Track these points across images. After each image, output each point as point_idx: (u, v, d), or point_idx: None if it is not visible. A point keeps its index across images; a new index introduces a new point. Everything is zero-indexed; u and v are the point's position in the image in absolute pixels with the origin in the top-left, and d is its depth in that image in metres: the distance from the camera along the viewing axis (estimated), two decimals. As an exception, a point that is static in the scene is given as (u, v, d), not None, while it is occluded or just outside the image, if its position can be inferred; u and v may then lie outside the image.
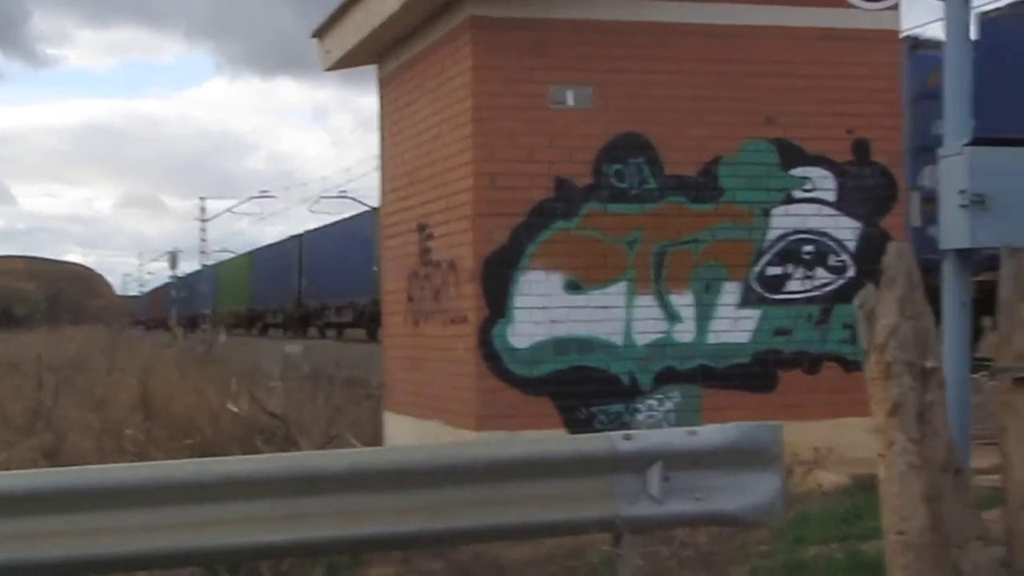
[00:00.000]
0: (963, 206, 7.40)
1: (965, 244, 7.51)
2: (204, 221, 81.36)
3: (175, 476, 6.91)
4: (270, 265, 56.97)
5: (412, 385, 13.73)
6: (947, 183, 7.57)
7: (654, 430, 9.18)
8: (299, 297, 50.56)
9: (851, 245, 12.36)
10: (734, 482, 7.04)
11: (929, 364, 6.87)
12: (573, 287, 11.85)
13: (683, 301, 12.08)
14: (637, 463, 6.99)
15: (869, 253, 11.84)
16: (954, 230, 7.54)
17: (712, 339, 12.11)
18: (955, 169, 7.50)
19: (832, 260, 12.37)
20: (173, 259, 78.60)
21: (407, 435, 13.47)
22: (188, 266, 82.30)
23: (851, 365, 11.69)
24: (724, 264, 12.14)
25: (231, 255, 73.87)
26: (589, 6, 11.89)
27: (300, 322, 50.78)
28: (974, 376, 7.96)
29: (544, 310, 11.78)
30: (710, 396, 12.01)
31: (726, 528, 7.98)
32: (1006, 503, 7.07)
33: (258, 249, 64.21)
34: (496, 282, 11.72)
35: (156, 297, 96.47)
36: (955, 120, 7.67)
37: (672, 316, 12.05)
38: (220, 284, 69.87)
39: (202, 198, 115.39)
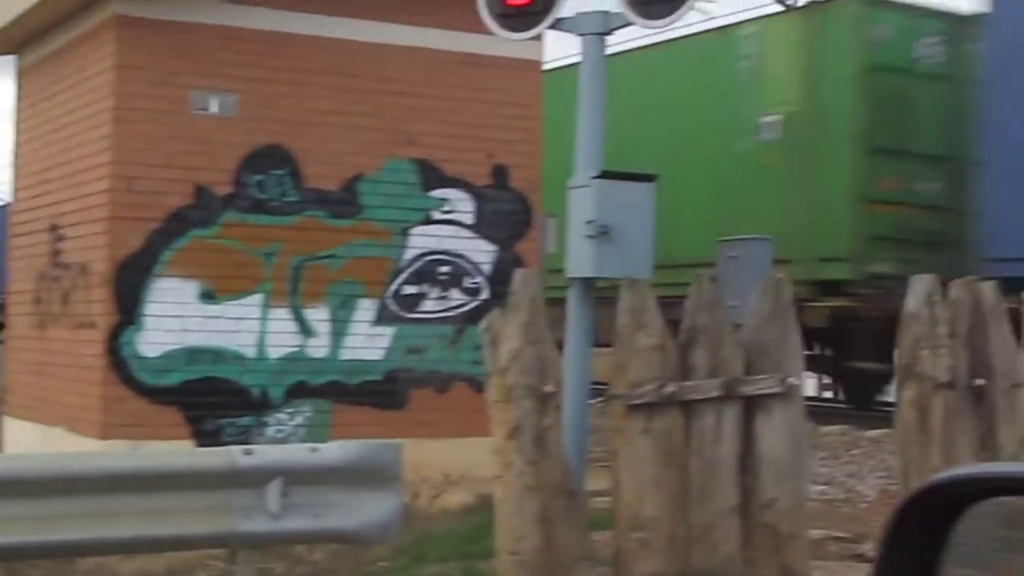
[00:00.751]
0: (589, 236, 7.62)
1: (590, 273, 7.73)
2: None
3: None
4: None
5: (36, 390, 13.25)
6: (575, 213, 7.78)
7: (275, 446, 9.13)
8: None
9: (486, 268, 12.58)
10: (353, 500, 7.05)
11: (548, 388, 7.06)
12: (207, 296, 11.66)
13: (318, 316, 12.05)
14: (256, 479, 6.92)
15: (503, 277, 12.04)
16: (580, 259, 7.76)
17: (345, 355, 12.12)
18: (583, 200, 7.72)
19: (467, 282, 12.56)
20: None
21: (29, 441, 12.97)
22: None
23: (481, 386, 11.85)
24: (360, 281, 12.16)
25: None
26: (238, 13, 11.74)
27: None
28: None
29: (177, 318, 11.55)
30: (341, 412, 12.00)
31: (345, 545, 7.98)
32: (615, 525, 7.31)
33: None
34: (128, 288, 11.43)
35: None
36: (586, 153, 7.90)
37: (306, 331, 12.00)
38: None
39: None
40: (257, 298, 11.83)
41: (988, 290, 7.80)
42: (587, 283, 7.87)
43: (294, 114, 11.91)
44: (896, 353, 7.66)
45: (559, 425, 7.14)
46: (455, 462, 11.27)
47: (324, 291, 12.06)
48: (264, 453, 7.16)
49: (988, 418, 7.77)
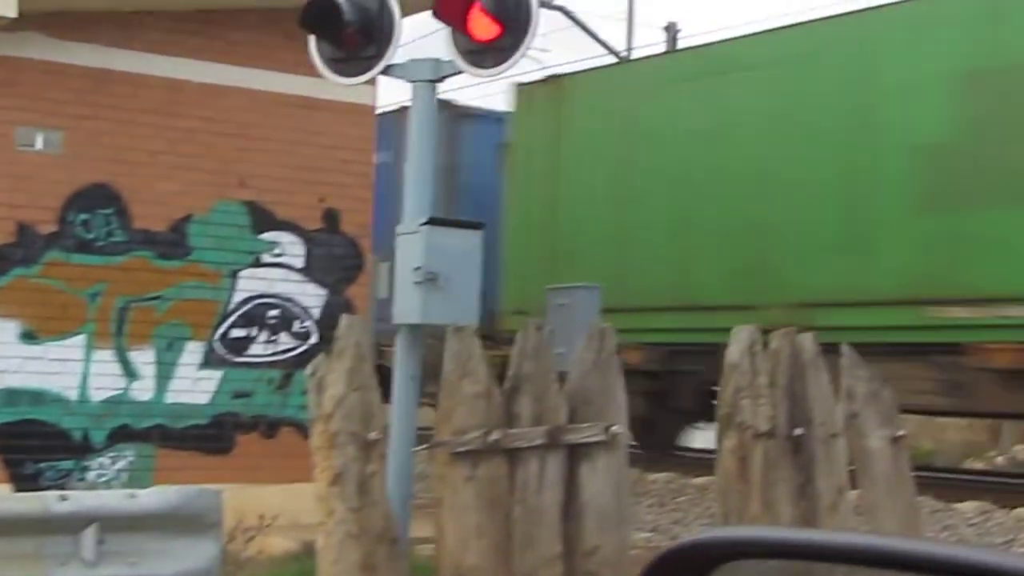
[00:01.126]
0: (417, 283, 7.64)
1: (417, 320, 7.74)
2: None
3: None
4: None
5: None
6: (403, 260, 7.79)
7: (92, 491, 8.91)
8: None
9: (316, 312, 12.51)
10: (171, 547, 6.93)
11: (372, 435, 7.03)
12: (28, 337, 11.38)
13: (144, 359, 11.84)
14: (71, 525, 6.75)
15: (333, 321, 11.97)
16: (408, 306, 7.77)
17: (171, 399, 11.92)
18: (411, 247, 7.73)
19: (296, 326, 12.46)
20: None
21: None
22: None
23: (307, 431, 11.77)
24: (188, 323, 11.99)
25: None
26: (65, 50, 11.54)
27: None
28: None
29: (-5, 359, 11.27)
30: (165, 456, 11.79)
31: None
32: (438, 573, 7.28)
33: None
34: (-55, 327, 11.12)
35: None
36: (415, 199, 7.92)
37: (131, 373, 11.78)
38: None
39: None
40: (80, 339, 11.58)
41: (807, 341, 7.97)
42: (414, 330, 7.88)
43: (122, 153, 11.72)
44: (718, 402, 7.77)
45: (383, 472, 7.11)
46: (281, 508, 11.12)
47: (150, 333, 11.85)
48: (79, 499, 7.00)
49: (807, 467, 7.92)
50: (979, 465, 22.53)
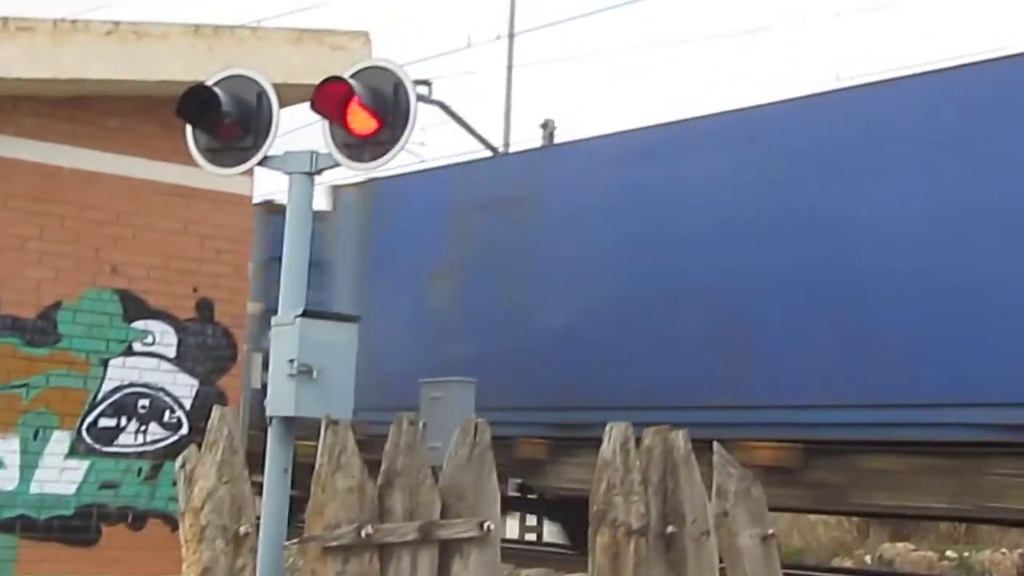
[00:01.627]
0: (291, 375, 7.58)
1: (291, 412, 7.66)
2: None
3: None
4: None
5: None
6: (278, 352, 7.73)
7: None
8: None
9: (187, 402, 12.38)
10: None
11: (242, 529, 6.93)
12: None
13: (8, 447, 11.62)
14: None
15: (205, 412, 11.82)
16: (281, 398, 7.69)
17: (35, 488, 11.69)
18: (286, 339, 7.68)
19: (167, 416, 12.32)
20: None
21: None
22: None
23: (177, 523, 11.59)
24: (55, 412, 11.80)
25: None
26: (-65, 133, 11.41)
27: None
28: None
29: None
30: (28, 548, 11.55)
31: None
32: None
33: None
34: None
35: None
36: (289, 291, 7.89)
37: (-5, 462, 11.55)
38: None
39: None
40: (-58, 427, 11.34)
41: (680, 438, 8.02)
42: (287, 422, 7.80)
43: (-10, 238, 11.57)
44: (591, 499, 7.78)
45: (252, 566, 7.01)
46: (146, 602, 10.94)
47: (15, 421, 11.64)
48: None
49: (679, 565, 7.94)
50: (848, 563, 22.81)
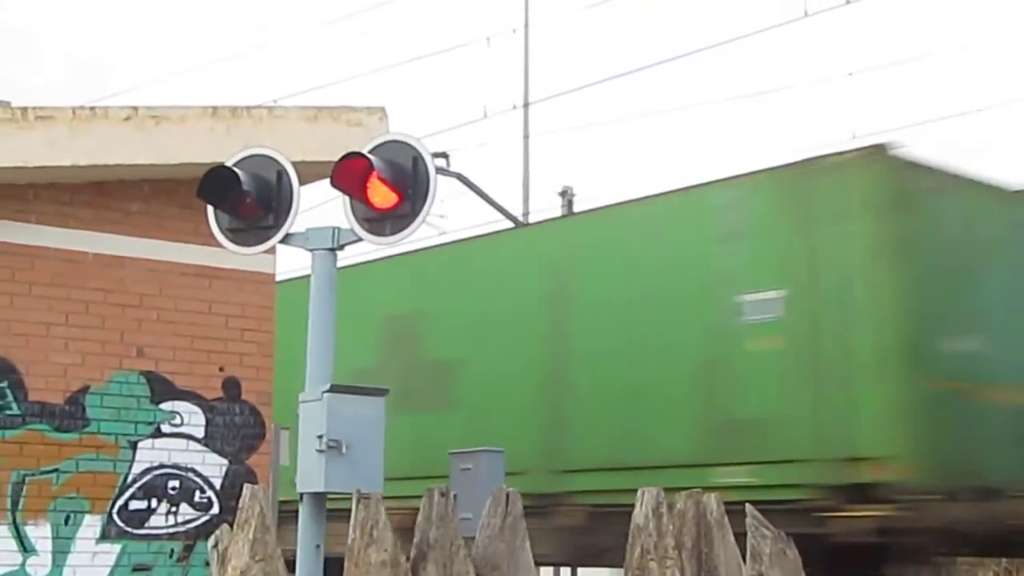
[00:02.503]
0: (320, 451, 7.59)
1: (320, 488, 7.68)
2: None
3: None
4: None
5: None
6: (306, 428, 7.75)
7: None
8: None
9: (217, 482, 12.37)
10: None
11: (276, 609, 6.92)
12: (-80, 514, 11.14)
13: (40, 533, 11.61)
14: None
15: (235, 491, 11.86)
16: (311, 474, 7.71)
17: (68, 574, 11.66)
18: (314, 414, 7.70)
19: (198, 496, 12.31)
20: None
21: None
22: None
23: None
24: (86, 496, 11.80)
25: None
26: (-42, 223, 11.50)
27: None
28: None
29: None
30: (60, 634, 11.52)
31: None
32: None
33: None
34: None
35: None
36: (316, 367, 7.92)
37: (27, 548, 11.53)
38: None
39: None
40: (-26, 515, 11.36)
41: (713, 501, 7.99)
42: (318, 498, 7.81)
43: (16, 326, 11.61)
44: (624, 565, 7.75)
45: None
46: None
47: (46, 507, 11.64)
48: None
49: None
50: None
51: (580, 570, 21.19)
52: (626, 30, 63.09)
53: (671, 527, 7.71)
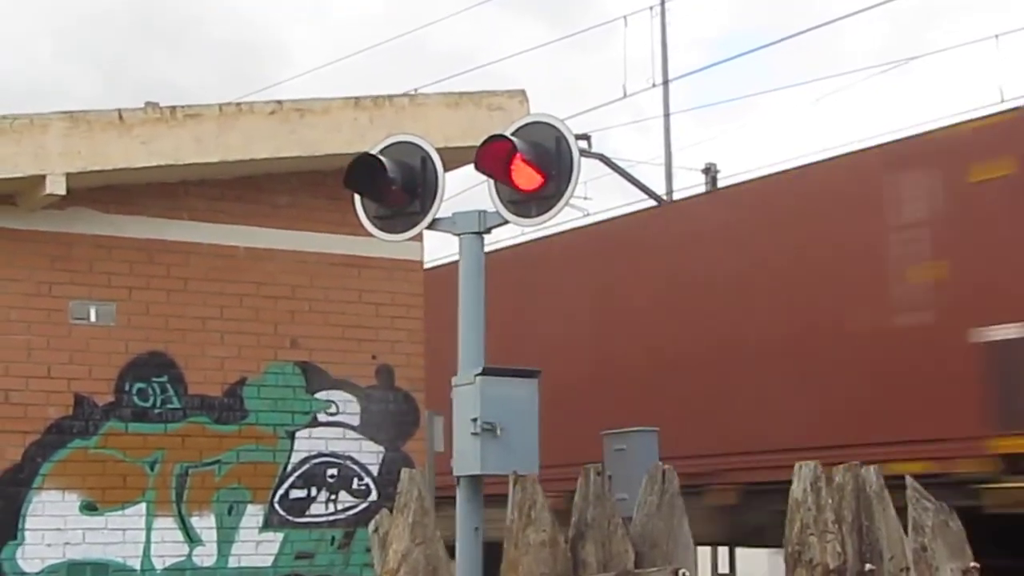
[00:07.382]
0: (474, 434, 7.62)
1: (476, 471, 7.71)
2: None
3: None
4: None
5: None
6: (460, 412, 7.79)
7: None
8: None
9: (374, 469, 12.51)
10: None
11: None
12: (90, 508, 11.41)
13: (204, 524, 11.84)
14: None
15: (391, 477, 11.98)
16: (466, 457, 7.74)
17: (233, 563, 11.89)
18: (467, 398, 7.73)
19: (355, 484, 12.46)
20: None
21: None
22: None
23: (371, 589, 11.72)
24: (247, 486, 12.01)
25: None
26: (113, 223, 11.73)
27: None
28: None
29: (58, 532, 11.27)
30: (227, 622, 11.74)
31: None
32: None
33: None
34: (7, 502, 11.15)
35: None
36: (468, 351, 7.95)
37: (193, 539, 11.77)
38: None
39: None
40: (140, 508, 11.60)
41: (872, 474, 7.87)
42: (475, 481, 7.84)
43: (173, 321, 11.85)
44: (784, 540, 7.67)
45: (452, 627, 7.05)
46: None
47: (210, 498, 11.87)
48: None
49: (879, 601, 7.76)
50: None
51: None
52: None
53: (830, 501, 7.61)
